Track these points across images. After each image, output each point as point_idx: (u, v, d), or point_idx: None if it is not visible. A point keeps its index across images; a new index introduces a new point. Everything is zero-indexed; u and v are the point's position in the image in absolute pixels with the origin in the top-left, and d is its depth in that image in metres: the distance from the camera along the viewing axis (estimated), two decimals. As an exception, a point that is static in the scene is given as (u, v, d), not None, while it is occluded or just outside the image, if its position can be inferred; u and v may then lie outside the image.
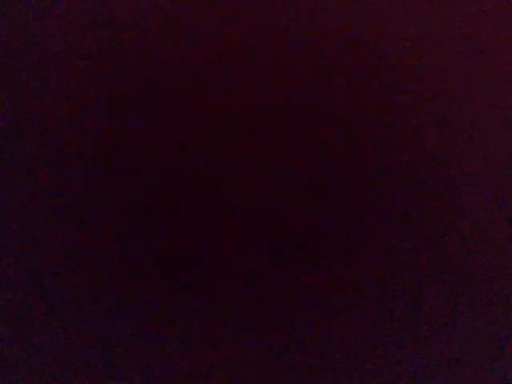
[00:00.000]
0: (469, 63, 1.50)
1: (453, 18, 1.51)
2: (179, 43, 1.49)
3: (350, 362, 1.43)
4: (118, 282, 1.44)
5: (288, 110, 1.48)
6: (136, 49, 1.49)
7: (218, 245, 1.45)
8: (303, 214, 1.46)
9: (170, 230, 1.45)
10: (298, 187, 1.46)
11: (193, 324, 1.44)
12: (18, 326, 1.44)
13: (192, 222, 1.45)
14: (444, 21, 1.51)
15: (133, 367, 1.43)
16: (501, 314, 1.45)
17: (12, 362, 1.43)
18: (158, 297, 1.44)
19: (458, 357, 1.44)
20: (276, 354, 1.43)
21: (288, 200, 1.46)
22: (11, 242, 1.45)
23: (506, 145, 1.48)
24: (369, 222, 1.46)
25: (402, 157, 1.47)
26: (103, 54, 1.49)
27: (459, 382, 1.44)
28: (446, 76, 1.49)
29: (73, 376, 1.43)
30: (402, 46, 1.50)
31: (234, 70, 1.49)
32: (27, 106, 1.48)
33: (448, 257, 1.46)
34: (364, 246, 1.45)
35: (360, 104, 1.48)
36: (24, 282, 1.44)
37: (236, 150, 1.47)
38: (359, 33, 1.50)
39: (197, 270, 1.44)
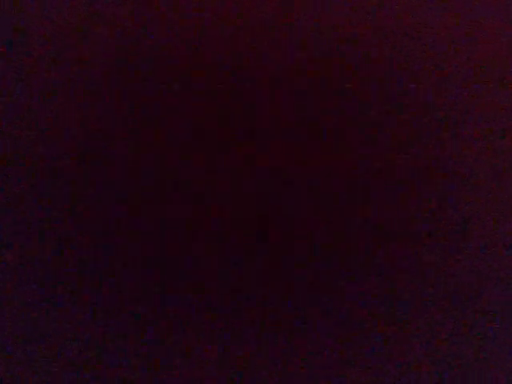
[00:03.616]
0: (471, 60, 1.50)
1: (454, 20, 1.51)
2: (178, 44, 1.49)
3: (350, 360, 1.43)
4: (116, 282, 1.44)
5: (286, 111, 1.48)
6: (134, 47, 1.49)
7: (213, 247, 1.45)
8: (302, 211, 1.45)
9: (166, 230, 1.45)
10: (298, 188, 1.46)
11: (190, 324, 1.44)
12: (17, 327, 1.44)
13: (188, 224, 1.45)
14: (445, 22, 1.51)
15: (130, 369, 1.43)
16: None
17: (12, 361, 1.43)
18: (154, 298, 1.44)
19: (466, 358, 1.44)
20: (272, 357, 1.43)
21: (286, 201, 1.46)
22: (10, 243, 1.45)
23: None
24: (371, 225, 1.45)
25: (409, 158, 1.47)
26: (103, 53, 1.49)
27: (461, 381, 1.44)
28: (450, 73, 1.49)
29: (71, 376, 1.43)
30: (403, 46, 1.49)
31: (228, 71, 1.49)
32: (27, 105, 1.48)
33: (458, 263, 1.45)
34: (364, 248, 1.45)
35: (362, 104, 1.48)
36: (24, 282, 1.44)
37: (231, 152, 1.47)
38: (358, 32, 1.49)
39: (192, 271, 1.44)
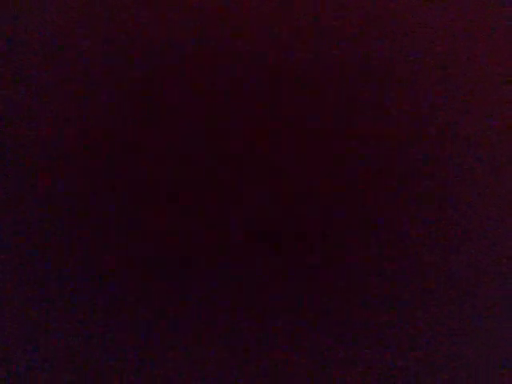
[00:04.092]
0: (471, 59, 1.50)
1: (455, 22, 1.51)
2: (178, 44, 1.49)
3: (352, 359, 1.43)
4: (116, 282, 1.44)
5: (287, 111, 1.48)
6: (134, 47, 1.49)
7: (212, 246, 1.45)
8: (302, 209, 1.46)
9: (166, 231, 1.45)
10: (298, 188, 1.46)
11: (187, 323, 1.44)
12: (18, 327, 1.44)
13: (189, 223, 1.45)
14: (445, 23, 1.51)
15: (128, 369, 1.43)
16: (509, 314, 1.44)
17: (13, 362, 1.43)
18: (152, 299, 1.44)
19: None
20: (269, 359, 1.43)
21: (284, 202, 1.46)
22: (10, 243, 1.45)
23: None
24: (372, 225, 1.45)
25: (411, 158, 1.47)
26: (102, 53, 1.49)
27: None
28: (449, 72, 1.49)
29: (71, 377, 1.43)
30: (402, 46, 1.49)
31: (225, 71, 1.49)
32: (27, 105, 1.48)
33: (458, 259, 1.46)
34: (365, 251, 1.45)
35: (363, 105, 1.48)
36: (24, 282, 1.44)
37: (232, 153, 1.47)
38: (358, 32, 1.49)
39: (191, 271, 1.44)
